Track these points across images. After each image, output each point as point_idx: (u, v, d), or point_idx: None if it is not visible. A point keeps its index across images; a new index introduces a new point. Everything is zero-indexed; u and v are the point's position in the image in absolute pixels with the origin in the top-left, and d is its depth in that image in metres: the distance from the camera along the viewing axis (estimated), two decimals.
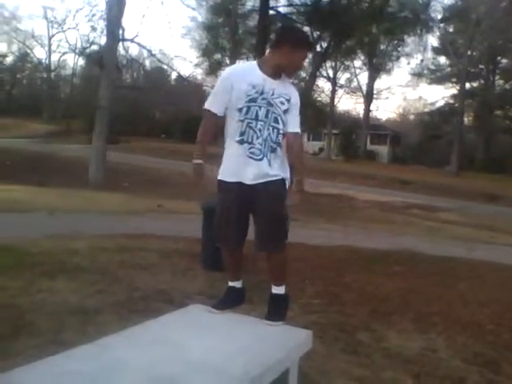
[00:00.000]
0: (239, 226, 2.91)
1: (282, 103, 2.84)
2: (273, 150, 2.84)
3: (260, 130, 2.82)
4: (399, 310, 4.98)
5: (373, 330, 4.33)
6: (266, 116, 2.82)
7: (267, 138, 2.82)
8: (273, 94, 2.83)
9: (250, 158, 2.83)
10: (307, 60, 20.58)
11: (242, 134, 2.84)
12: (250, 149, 2.83)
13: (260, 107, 2.81)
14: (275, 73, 2.89)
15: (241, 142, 2.84)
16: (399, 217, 16.48)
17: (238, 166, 2.85)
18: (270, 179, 2.82)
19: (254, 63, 2.97)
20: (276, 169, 2.85)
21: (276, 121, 2.83)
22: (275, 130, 2.83)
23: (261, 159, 2.82)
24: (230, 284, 3.11)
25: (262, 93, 2.82)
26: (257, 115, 2.82)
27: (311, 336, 2.82)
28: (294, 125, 2.90)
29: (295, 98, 2.91)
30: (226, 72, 3.07)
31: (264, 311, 3.00)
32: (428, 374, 3.53)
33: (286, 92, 2.88)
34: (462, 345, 4.18)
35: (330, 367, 3.47)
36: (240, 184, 2.85)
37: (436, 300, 5.49)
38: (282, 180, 2.88)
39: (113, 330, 2.66)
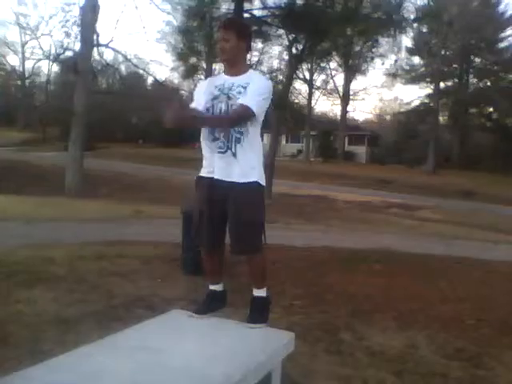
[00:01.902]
0: (212, 227, 2.90)
1: (239, 92, 2.85)
2: (237, 141, 2.83)
3: None
4: (381, 308, 5.02)
5: (355, 329, 4.35)
6: (227, 110, 2.85)
7: (230, 130, 2.84)
8: (231, 88, 2.87)
9: (218, 152, 2.87)
10: (284, 62, 20.65)
11: (212, 132, 2.89)
12: (217, 144, 2.87)
13: (221, 102, 2.87)
14: (228, 69, 2.97)
15: (213, 140, 2.89)
16: (379, 216, 16.61)
17: (211, 161, 2.91)
18: (240, 180, 2.81)
19: (222, 72, 3.08)
20: (245, 165, 2.83)
21: None
22: None
23: (225, 151, 2.84)
24: (211, 287, 3.09)
25: (223, 89, 2.89)
26: (220, 111, 2.87)
27: (293, 338, 2.81)
28: (245, 99, 2.82)
29: (256, 82, 2.88)
30: (200, 83, 3.30)
31: (246, 314, 2.98)
32: (410, 372, 3.55)
33: (247, 81, 2.87)
34: (443, 341, 4.22)
35: (314, 368, 3.47)
36: (212, 180, 2.88)
37: (417, 297, 5.54)
38: (256, 183, 2.86)
39: (93, 339, 2.62)
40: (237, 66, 2.94)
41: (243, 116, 2.81)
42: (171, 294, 4.91)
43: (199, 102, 2.95)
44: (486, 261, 8.13)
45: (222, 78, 2.98)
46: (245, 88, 2.84)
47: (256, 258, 2.92)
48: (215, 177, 2.87)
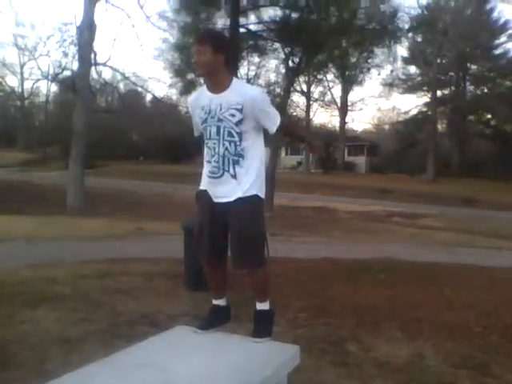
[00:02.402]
0: (213, 240, 2.88)
1: (233, 115, 2.78)
2: (236, 163, 2.81)
3: (214, 148, 2.83)
4: (386, 318, 4.98)
5: (361, 340, 4.32)
6: (218, 133, 2.81)
7: (224, 153, 2.81)
8: (221, 109, 2.80)
9: (210, 177, 2.88)
10: (281, 75, 20.75)
11: (206, 155, 2.92)
12: (209, 168, 2.88)
13: (211, 126, 2.83)
14: (210, 84, 2.88)
15: (207, 162, 2.91)
16: (381, 225, 16.58)
17: (206, 183, 2.94)
18: (240, 196, 2.80)
19: (204, 86, 2.97)
20: (246, 182, 2.81)
21: (230, 135, 2.80)
22: (232, 144, 2.80)
23: (220, 176, 2.83)
24: (214, 302, 3.07)
25: (209, 112, 2.83)
26: (210, 134, 2.84)
27: (299, 351, 2.79)
28: (270, 125, 2.87)
29: (252, 99, 2.79)
30: (188, 103, 3.14)
31: (250, 328, 2.97)
32: (418, 382, 3.52)
33: (238, 100, 2.77)
34: (450, 349, 4.18)
35: (320, 380, 3.44)
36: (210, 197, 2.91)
37: (422, 306, 5.50)
38: (256, 197, 2.84)
39: (97, 358, 2.60)
40: (218, 80, 2.83)
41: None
42: (175, 310, 4.89)
43: (196, 123, 2.97)
44: (490, 267, 8.09)
45: (205, 96, 2.88)
46: (240, 110, 2.76)
47: (258, 271, 2.89)
48: (212, 200, 2.89)
